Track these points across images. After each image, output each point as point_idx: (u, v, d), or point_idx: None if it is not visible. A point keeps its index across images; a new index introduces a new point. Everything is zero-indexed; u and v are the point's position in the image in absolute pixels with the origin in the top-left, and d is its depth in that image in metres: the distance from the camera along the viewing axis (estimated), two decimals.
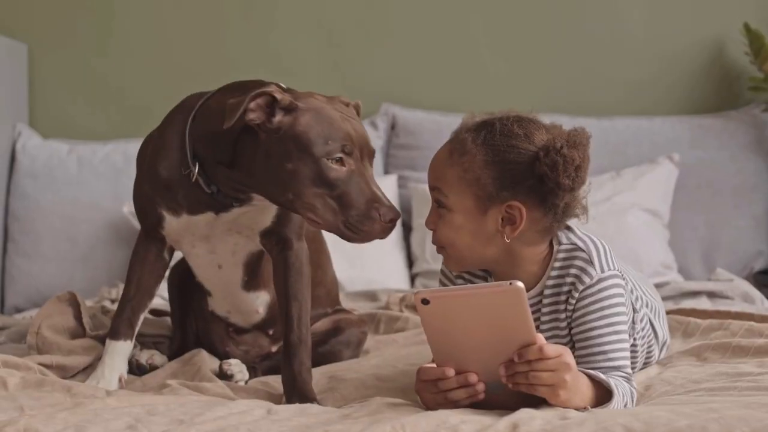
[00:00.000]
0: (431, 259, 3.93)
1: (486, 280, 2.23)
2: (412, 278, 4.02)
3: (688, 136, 4.27)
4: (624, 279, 2.17)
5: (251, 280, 2.59)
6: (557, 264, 2.15)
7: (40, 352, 2.56)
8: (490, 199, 2.07)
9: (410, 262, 4.08)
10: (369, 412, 1.97)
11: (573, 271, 2.13)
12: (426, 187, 4.01)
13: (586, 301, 2.11)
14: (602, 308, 2.10)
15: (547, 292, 2.16)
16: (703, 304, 3.40)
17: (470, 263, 2.16)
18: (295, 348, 2.36)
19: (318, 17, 4.50)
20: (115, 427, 1.89)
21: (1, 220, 4.22)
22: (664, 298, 3.33)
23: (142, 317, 2.53)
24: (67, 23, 4.53)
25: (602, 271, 2.11)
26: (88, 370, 2.55)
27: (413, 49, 4.48)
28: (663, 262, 3.92)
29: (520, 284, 1.86)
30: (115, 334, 2.50)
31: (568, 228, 2.19)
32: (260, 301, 2.65)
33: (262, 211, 2.42)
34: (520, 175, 2.07)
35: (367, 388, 2.32)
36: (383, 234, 2.17)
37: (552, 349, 1.91)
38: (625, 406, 2.01)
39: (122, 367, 2.47)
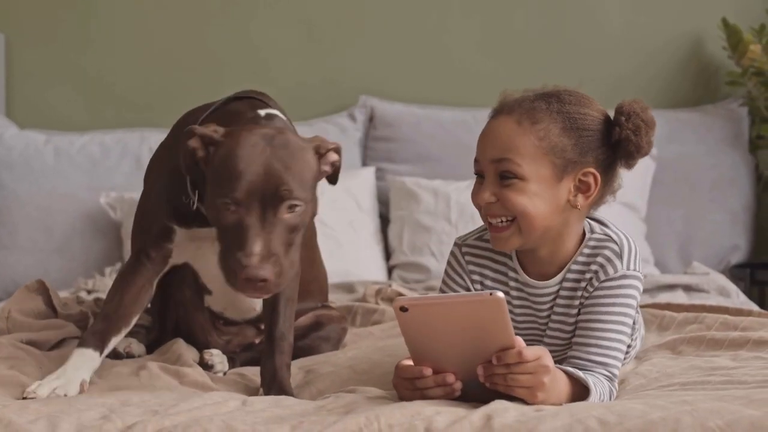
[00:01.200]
0: (408, 251, 3.94)
1: (506, 274, 2.23)
2: (390, 270, 4.03)
3: (666, 130, 4.27)
4: (642, 284, 2.17)
5: None
6: (586, 251, 2.16)
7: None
8: (569, 166, 2.08)
9: (387, 254, 4.08)
10: (344, 404, 1.97)
11: (600, 259, 2.13)
12: (404, 179, 4.07)
13: (601, 293, 2.11)
14: (614, 304, 2.10)
15: (569, 276, 2.17)
16: (679, 297, 3.41)
17: (536, 234, 2.12)
18: (279, 343, 2.35)
19: (298, 12, 4.50)
20: (88, 417, 1.89)
21: None
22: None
23: (114, 342, 2.39)
24: (46, 13, 4.52)
25: (628, 268, 2.11)
26: (63, 344, 2.54)
27: (392, 43, 4.49)
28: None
29: (501, 294, 1.85)
30: (83, 342, 2.34)
31: (603, 223, 2.21)
32: (259, 300, 2.62)
33: None
34: (595, 141, 2.10)
35: (343, 382, 2.32)
36: (245, 292, 2.11)
37: (531, 352, 1.91)
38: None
39: (86, 374, 2.27)
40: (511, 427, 1.77)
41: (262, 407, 1.97)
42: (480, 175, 2.14)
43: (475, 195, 2.14)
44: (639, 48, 4.48)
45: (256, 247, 2.08)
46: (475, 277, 2.26)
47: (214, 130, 2.20)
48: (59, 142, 4.30)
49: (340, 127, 4.33)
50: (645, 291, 3.46)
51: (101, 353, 2.33)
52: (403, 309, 1.90)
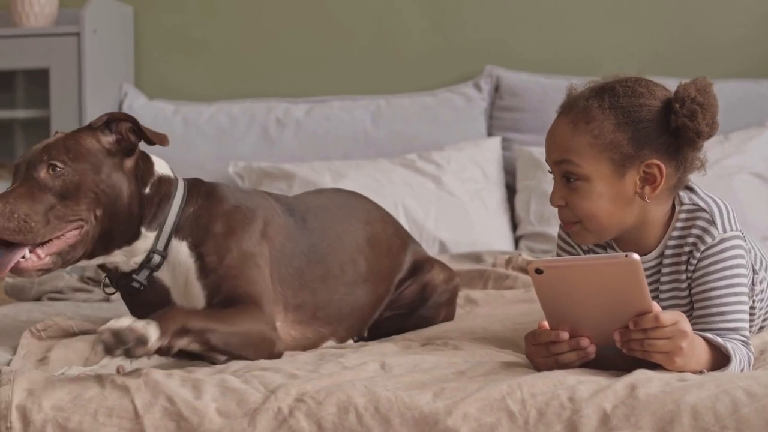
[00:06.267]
0: (535, 222, 3.92)
1: (605, 250, 2.21)
2: (516, 240, 4.02)
3: None
4: (745, 241, 2.15)
5: None
6: (679, 224, 2.14)
7: None
8: (628, 161, 2.07)
9: (514, 224, 4.07)
10: (484, 371, 1.97)
11: (695, 231, 2.11)
12: (531, 149, 4.05)
13: (707, 261, 2.09)
14: (723, 269, 2.08)
15: (668, 252, 2.15)
16: None
17: (609, 233, 2.14)
18: (204, 310, 2.24)
19: None
20: (230, 381, 1.91)
21: None
22: None
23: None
24: None
25: (724, 231, 2.09)
26: None
27: (517, 11, 4.45)
28: None
29: (636, 257, 1.85)
30: None
31: (690, 189, 2.18)
32: None
33: None
34: (654, 132, 2.07)
35: (476, 339, 2.33)
36: None
37: (668, 316, 1.90)
38: (742, 370, 1.99)
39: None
40: (656, 397, 1.76)
41: (401, 372, 1.98)
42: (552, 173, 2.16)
43: (550, 197, 2.16)
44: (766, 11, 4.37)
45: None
46: (584, 247, 2.26)
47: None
48: (187, 113, 4.36)
49: (466, 96, 4.31)
50: None
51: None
52: (539, 271, 1.90)
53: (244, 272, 2.29)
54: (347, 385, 1.86)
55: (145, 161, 2.34)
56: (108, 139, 2.28)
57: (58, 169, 2.19)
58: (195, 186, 2.42)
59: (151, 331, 1.95)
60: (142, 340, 1.92)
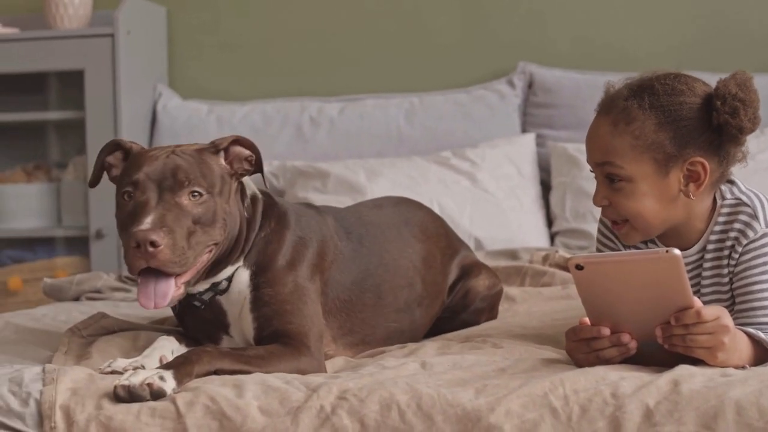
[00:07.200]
0: (571, 218, 3.91)
1: (647, 245, 2.21)
2: (552, 237, 4.01)
3: None
4: None
5: None
6: (721, 219, 2.13)
7: None
8: (671, 160, 2.06)
9: (549, 221, 4.06)
10: (525, 368, 1.97)
11: (737, 225, 2.10)
12: (565, 145, 4.04)
13: (749, 256, 2.08)
14: (765, 263, 2.07)
15: (710, 247, 2.14)
16: None
17: (655, 231, 2.14)
18: (237, 353, 2.14)
19: None
20: (271, 382, 1.92)
21: None
22: None
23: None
24: None
25: (767, 225, 2.08)
26: None
27: (550, 5, 4.43)
28: None
29: (677, 252, 1.84)
30: (169, 332, 2.36)
31: (731, 182, 2.17)
32: None
33: None
34: (696, 130, 2.06)
35: (515, 336, 2.34)
36: (130, 260, 2.06)
37: (709, 312, 1.89)
38: None
39: (167, 352, 2.19)
40: (699, 392, 1.76)
41: (442, 369, 1.99)
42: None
43: (593, 197, 2.15)
44: None
45: (149, 217, 2.07)
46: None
47: (133, 144, 2.26)
48: (221, 112, 4.38)
49: (499, 93, 4.30)
50: None
51: (184, 345, 2.28)
52: (579, 267, 1.90)
53: (298, 307, 2.25)
54: (389, 382, 1.86)
55: (241, 184, 2.27)
56: (223, 161, 2.22)
57: (199, 195, 2.12)
58: (270, 206, 2.33)
59: (167, 383, 1.91)
60: (158, 394, 1.88)
